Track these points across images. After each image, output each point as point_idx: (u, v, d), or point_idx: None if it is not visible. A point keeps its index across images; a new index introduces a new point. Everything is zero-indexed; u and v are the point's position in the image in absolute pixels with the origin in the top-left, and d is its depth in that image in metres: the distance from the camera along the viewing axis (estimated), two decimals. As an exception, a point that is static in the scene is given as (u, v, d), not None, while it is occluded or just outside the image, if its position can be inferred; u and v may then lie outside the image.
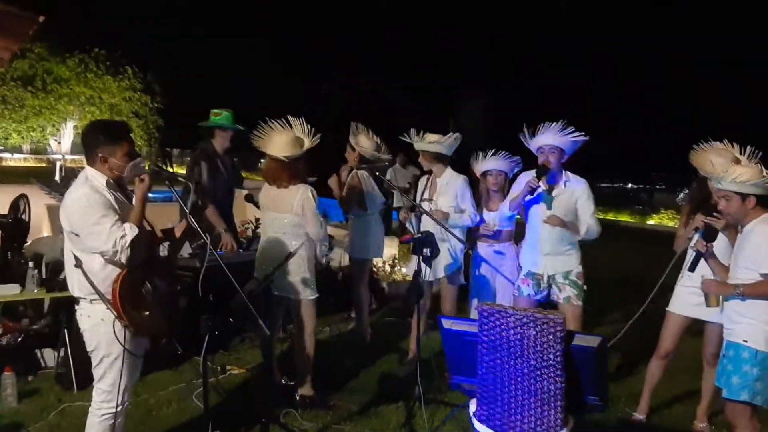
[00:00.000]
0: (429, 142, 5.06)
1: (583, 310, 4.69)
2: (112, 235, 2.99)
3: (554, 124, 4.50)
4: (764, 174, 3.26)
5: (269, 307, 4.44)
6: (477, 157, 5.16)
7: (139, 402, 4.36)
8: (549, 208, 4.59)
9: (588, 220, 4.57)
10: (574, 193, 4.59)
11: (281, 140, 4.35)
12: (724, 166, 3.39)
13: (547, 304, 4.74)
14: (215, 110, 5.69)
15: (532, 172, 4.55)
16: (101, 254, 3.04)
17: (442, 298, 5.22)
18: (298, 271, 4.34)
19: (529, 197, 4.60)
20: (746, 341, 3.33)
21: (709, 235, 3.59)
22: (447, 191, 5.06)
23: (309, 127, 4.48)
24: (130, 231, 3.03)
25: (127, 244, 3.00)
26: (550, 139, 4.50)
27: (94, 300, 3.13)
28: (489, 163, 5.09)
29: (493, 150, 5.07)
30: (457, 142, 5.10)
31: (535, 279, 4.69)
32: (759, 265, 3.28)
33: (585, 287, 4.67)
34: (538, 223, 4.64)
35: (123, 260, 3.03)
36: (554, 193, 4.59)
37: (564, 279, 4.63)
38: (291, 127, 4.48)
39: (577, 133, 4.47)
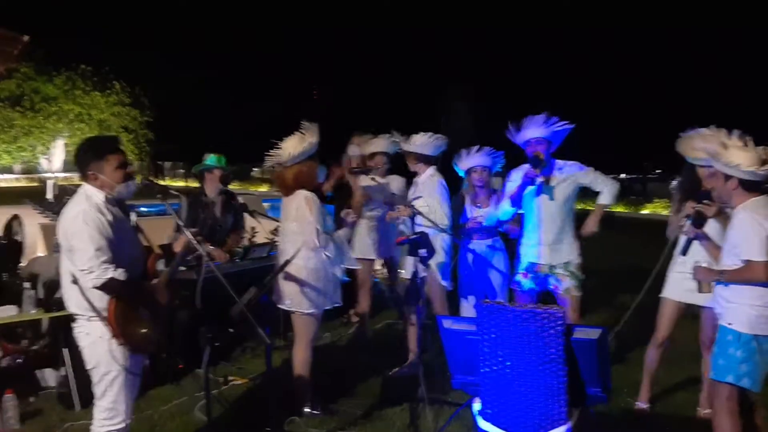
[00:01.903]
0: (412, 143, 5.05)
1: (581, 299, 4.73)
2: (94, 259, 2.97)
3: (537, 116, 4.55)
4: (757, 161, 3.23)
5: (273, 314, 4.43)
6: (460, 154, 5.12)
7: (142, 417, 4.34)
8: (552, 198, 4.63)
9: (606, 183, 4.65)
10: (573, 176, 4.65)
11: (285, 145, 4.27)
12: (712, 149, 3.41)
13: (546, 294, 4.79)
14: (205, 155, 5.80)
15: (525, 167, 4.58)
16: (80, 272, 3.02)
17: (432, 297, 5.13)
18: (295, 281, 4.24)
19: (530, 188, 4.64)
20: (731, 324, 3.37)
21: (698, 221, 3.62)
22: (422, 191, 5.04)
23: (315, 125, 4.33)
24: (117, 273, 3.01)
25: (102, 280, 2.98)
26: (536, 131, 4.56)
27: (92, 317, 3.11)
28: (472, 160, 5.05)
29: (477, 147, 5.04)
30: (442, 143, 5.07)
31: (535, 271, 4.72)
32: (740, 251, 3.30)
33: (584, 276, 4.73)
34: (538, 215, 4.68)
35: (89, 286, 3.01)
36: (552, 183, 4.64)
37: (563, 270, 4.67)
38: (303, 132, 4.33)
39: (561, 123, 4.53)
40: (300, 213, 4.21)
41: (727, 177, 3.32)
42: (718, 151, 3.36)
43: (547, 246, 4.67)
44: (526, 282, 4.76)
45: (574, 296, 4.68)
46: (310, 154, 4.26)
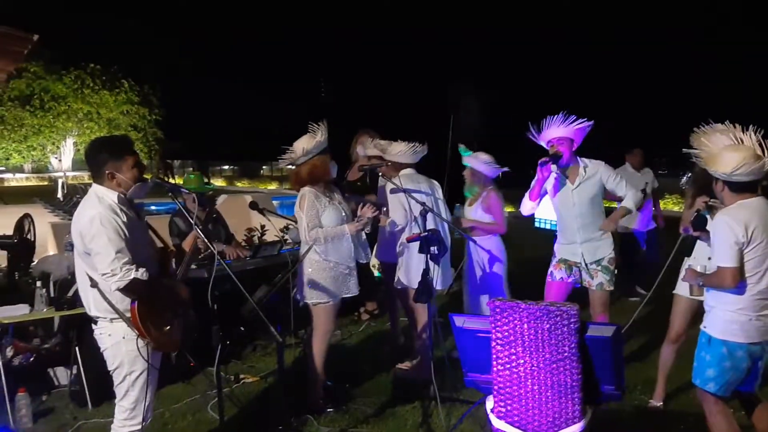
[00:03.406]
0: (392, 153, 4.98)
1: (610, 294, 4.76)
2: (115, 262, 2.97)
3: (557, 116, 4.54)
4: (742, 162, 3.16)
5: (284, 312, 4.44)
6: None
7: (155, 416, 4.31)
8: (574, 189, 4.64)
9: (628, 192, 4.65)
10: (597, 175, 4.64)
11: (296, 145, 4.32)
12: (702, 151, 3.37)
13: (578, 288, 4.81)
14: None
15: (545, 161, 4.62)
16: (102, 276, 3.01)
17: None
18: (306, 274, 4.29)
19: (550, 182, 4.67)
20: (705, 327, 3.38)
21: (698, 223, 3.62)
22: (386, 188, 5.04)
23: (324, 123, 4.38)
24: (139, 273, 3.00)
25: (125, 281, 2.98)
26: (557, 131, 4.56)
27: (114, 319, 3.12)
28: (469, 160, 5.24)
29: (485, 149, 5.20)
30: (422, 151, 5.04)
31: (568, 264, 4.74)
32: (714, 256, 3.29)
33: (616, 271, 4.73)
34: (568, 214, 4.70)
35: (111, 288, 3.01)
36: (577, 180, 4.63)
37: (597, 265, 4.67)
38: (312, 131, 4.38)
39: (580, 121, 4.52)
40: (297, 208, 4.29)
41: (716, 179, 3.31)
42: (705, 153, 3.33)
43: (582, 244, 4.67)
44: (557, 273, 4.77)
45: (607, 292, 4.69)
46: (321, 149, 4.32)
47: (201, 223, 5.75)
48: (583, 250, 4.67)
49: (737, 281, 3.18)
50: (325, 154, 4.37)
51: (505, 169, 5.34)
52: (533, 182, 4.71)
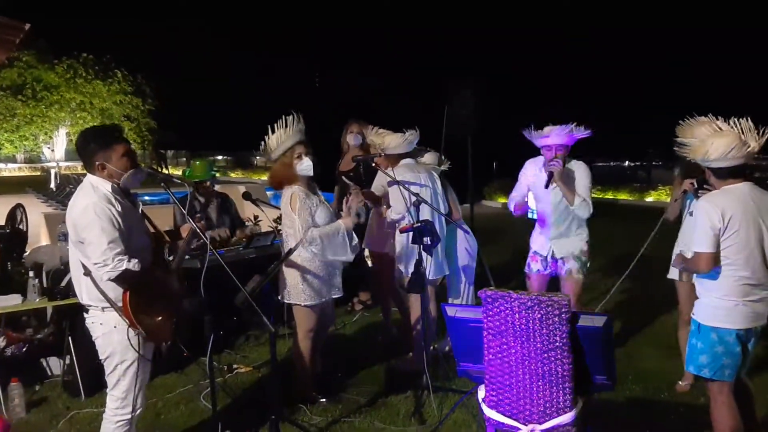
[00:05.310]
0: (390, 147, 4.89)
1: (582, 282, 4.79)
2: (107, 252, 2.96)
3: (560, 126, 4.54)
4: (734, 144, 3.16)
5: (276, 303, 4.43)
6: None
7: (148, 405, 4.31)
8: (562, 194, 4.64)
9: (582, 193, 4.60)
10: (575, 175, 4.65)
11: (270, 141, 4.25)
12: (699, 143, 3.39)
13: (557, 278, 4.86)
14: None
15: (540, 159, 4.71)
16: (94, 265, 3.01)
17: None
18: (290, 274, 4.25)
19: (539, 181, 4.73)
20: (694, 314, 3.41)
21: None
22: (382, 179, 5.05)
23: (296, 116, 4.26)
24: (131, 264, 3.00)
25: (117, 272, 2.98)
26: (558, 139, 4.55)
27: (105, 308, 3.11)
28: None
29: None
30: (415, 138, 4.96)
31: (543, 256, 4.81)
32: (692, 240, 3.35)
33: (588, 263, 4.79)
34: (545, 209, 4.76)
35: (103, 278, 3.01)
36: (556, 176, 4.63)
37: (568, 254, 4.73)
38: (286, 126, 4.27)
39: (581, 130, 4.56)
40: (286, 209, 4.22)
41: (705, 168, 3.35)
42: (690, 144, 3.36)
43: (553, 240, 4.74)
44: (534, 265, 4.86)
45: (576, 279, 4.73)
46: (279, 156, 4.25)
47: (203, 211, 5.77)
48: (552, 245, 4.75)
49: (711, 266, 3.21)
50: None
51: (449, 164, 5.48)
52: (522, 185, 4.83)
